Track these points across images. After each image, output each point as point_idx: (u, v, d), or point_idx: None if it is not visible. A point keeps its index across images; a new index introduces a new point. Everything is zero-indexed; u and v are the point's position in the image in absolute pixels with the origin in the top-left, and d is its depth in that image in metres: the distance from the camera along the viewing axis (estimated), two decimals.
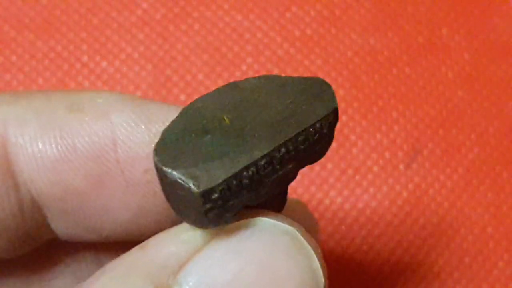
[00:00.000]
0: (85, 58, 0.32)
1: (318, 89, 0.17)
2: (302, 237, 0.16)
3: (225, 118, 0.16)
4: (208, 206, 0.15)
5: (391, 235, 0.31)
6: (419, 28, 0.34)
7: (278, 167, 0.16)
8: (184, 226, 0.16)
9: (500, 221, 0.31)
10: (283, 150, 0.16)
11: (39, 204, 0.18)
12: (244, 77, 0.32)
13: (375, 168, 0.32)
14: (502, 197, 0.32)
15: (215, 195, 0.15)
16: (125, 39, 0.33)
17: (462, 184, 0.32)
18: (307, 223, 0.21)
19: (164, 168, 0.15)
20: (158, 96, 0.32)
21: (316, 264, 0.16)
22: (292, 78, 0.17)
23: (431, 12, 0.34)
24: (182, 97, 0.32)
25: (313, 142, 0.17)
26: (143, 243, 0.17)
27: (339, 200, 0.31)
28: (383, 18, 0.34)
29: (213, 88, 0.32)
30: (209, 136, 0.16)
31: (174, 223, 0.18)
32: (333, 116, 0.17)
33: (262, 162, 0.16)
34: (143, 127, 0.18)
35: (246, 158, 0.15)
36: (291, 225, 0.16)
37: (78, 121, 0.18)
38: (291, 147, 0.16)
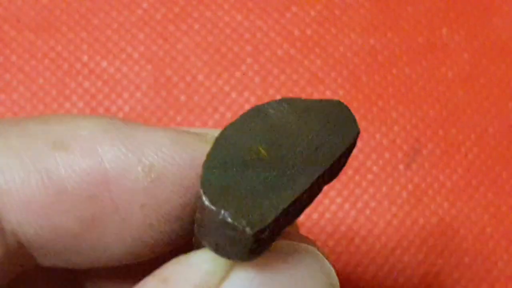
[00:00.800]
0: (85, 58, 0.32)
1: (340, 113, 0.18)
2: (321, 255, 0.17)
3: (261, 149, 0.16)
4: (256, 244, 0.15)
5: (391, 235, 0.31)
6: (419, 28, 0.34)
7: (312, 194, 0.17)
8: (202, 254, 0.16)
9: (500, 221, 0.31)
10: (320, 180, 0.16)
11: (26, 247, 0.17)
12: (244, 78, 0.33)
13: (375, 169, 0.32)
14: (502, 197, 0.32)
15: (265, 234, 0.15)
16: (125, 39, 0.33)
17: (461, 184, 0.32)
18: None
19: (215, 208, 0.15)
20: (158, 97, 0.32)
21: (335, 279, 0.17)
22: (313, 102, 0.18)
23: (431, 12, 0.34)
24: (182, 97, 0.32)
25: (340, 166, 0.18)
26: (161, 274, 0.16)
27: (338, 200, 0.31)
28: (383, 18, 0.34)
29: (213, 88, 0.33)
30: (250, 170, 0.16)
31: (171, 248, 0.18)
32: (356, 139, 0.18)
33: (304, 196, 0.16)
34: (135, 159, 0.17)
35: (291, 193, 0.16)
36: (310, 244, 0.17)
37: (64, 160, 0.17)
38: (326, 176, 0.17)
